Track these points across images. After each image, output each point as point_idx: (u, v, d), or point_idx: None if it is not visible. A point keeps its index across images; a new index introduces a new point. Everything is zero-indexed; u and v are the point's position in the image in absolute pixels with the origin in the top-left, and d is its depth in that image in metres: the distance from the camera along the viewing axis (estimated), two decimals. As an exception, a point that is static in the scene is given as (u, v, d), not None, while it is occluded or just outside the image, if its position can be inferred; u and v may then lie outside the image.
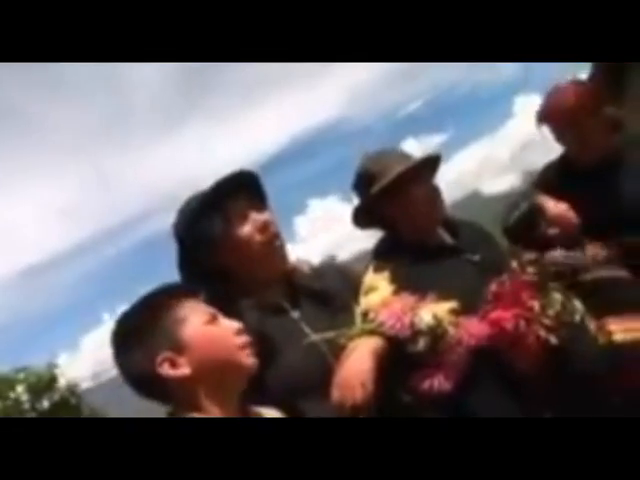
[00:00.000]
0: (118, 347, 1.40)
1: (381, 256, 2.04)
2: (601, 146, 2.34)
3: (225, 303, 1.51)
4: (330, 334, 1.60)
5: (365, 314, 1.66)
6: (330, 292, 1.75)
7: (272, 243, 1.71)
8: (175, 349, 1.35)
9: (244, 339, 1.41)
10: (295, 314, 1.69)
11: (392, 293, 1.71)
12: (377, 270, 1.79)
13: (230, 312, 1.48)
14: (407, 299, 1.68)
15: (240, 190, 1.69)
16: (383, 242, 2.12)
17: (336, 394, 1.51)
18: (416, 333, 1.62)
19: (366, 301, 1.69)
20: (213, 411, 1.35)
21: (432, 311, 1.65)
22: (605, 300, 2.07)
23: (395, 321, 1.61)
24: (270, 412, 1.49)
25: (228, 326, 1.42)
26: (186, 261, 1.71)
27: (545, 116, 2.38)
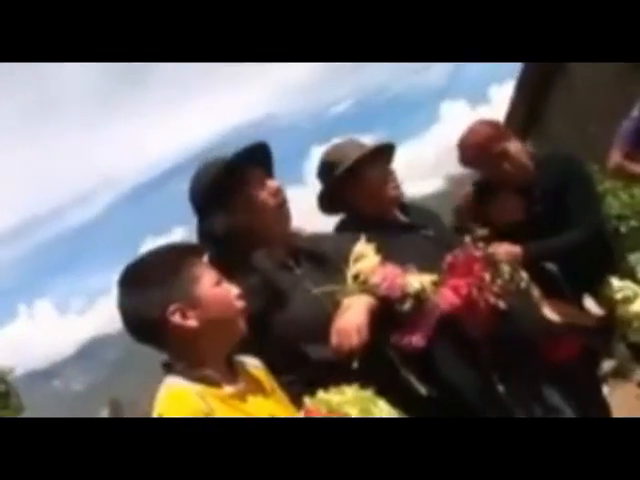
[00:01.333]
0: (130, 287, 1.50)
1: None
2: (518, 173, 2.63)
3: (237, 260, 1.76)
4: (329, 288, 1.84)
5: (355, 277, 1.87)
6: (325, 255, 1.97)
7: (282, 207, 1.94)
8: (188, 303, 1.47)
9: (243, 304, 1.55)
10: (298, 271, 1.92)
11: (379, 262, 1.91)
12: (367, 241, 1.99)
13: (242, 266, 1.73)
14: (393, 268, 1.90)
15: (256, 159, 1.91)
16: (344, 222, 2.38)
17: (335, 339, 1.73)
18: (405, 295, 1.85)
19: (357, 266, 1.89)
20: (204, 362, 1.47)
21: (419, 279, 1.89)
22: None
23: (389, 283, 1.84)
24: (252, 362, 1.63)
25: (231, 290, 1.55)
26: (206, 221, 1.91)
27: (465, 161, 2.71)
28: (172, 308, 1.45)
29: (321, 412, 1.46)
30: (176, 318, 1.45)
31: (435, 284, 1.94)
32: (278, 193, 1.93)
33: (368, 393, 1.51)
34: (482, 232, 2.43)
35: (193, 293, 1.48)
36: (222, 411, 1.40)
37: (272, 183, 1.94)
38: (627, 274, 2.74)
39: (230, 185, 1.87)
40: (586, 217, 2.60)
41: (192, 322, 1.46)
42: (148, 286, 1.48)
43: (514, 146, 2.64)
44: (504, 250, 2.38)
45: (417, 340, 1.83)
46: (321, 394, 1.50)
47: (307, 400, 1.50)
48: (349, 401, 1.47)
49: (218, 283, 1.54)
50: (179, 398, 1.40)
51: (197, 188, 1.93)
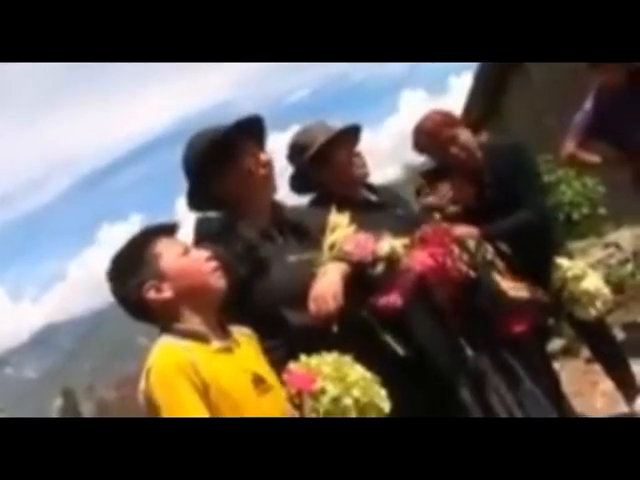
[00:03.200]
0: (113, 280, 1.68)
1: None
2: (466, 158, 2.81)
3: (222, 228, 1.92)
4: (306, 256, 1.96)
5: (332, 247, 1.98)
6: (307, 227, 2.08)
7: (269, 178, 2.06)
8: (158, 278, 1.62)
9: (213, 264, 1.68)
10: (280, 241, 2.03)
11: (353, 231, 2.04)
12: (339, 211, 2.12)
13: (228, 234, 1.86)
14: (365, 235, 2.02)
15: (250, 131, 2.02)
16: (315, 202, 2.53)
17: (312, 305, 1.83)
18: (376, 259, 1.97)
19: (332, 236, 2.01)
20: (194, 324, 1.61)
21: (389, 243, 2.01)
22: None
23: (360, 249, 1.95)
24: (242, 330, 1.75)
25: (199, 255, 1.70)
26: (196, 185, 2.03)
27: (418, 146, 2.89)
28: (146, 286, 1.61)
29: (300, 372, 1.61)
30: (151, 294, 1.61)
31: (406, 247, 2.07)
32: (267, 165, 2.05)
33: (346, 358, 1.66)
34: (452, 209, 2.57)
35: (159, 268, 1.63)
36: (209, 362, 1.53)
37: (263, 155, 2.05)
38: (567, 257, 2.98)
39: (223, 152, 1.98)
40: (534, 200, 2.83)
41: (167, 294, 1.61)
42: (123, 273, 1.65)
43: (462, 133, 2.82)
44: (463, 231, 2.52)
45: (394, 299, 1.94)
46: (303, 358, 1.65)
47: (291, 364, 1.65)
48: (326, 362, 1.62)
49: (185, 253, 1.68)
50: (167, 351, 1.54)
51: (190, 154, 2.03)
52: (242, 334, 1.74)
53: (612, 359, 3.12)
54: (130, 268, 1.64)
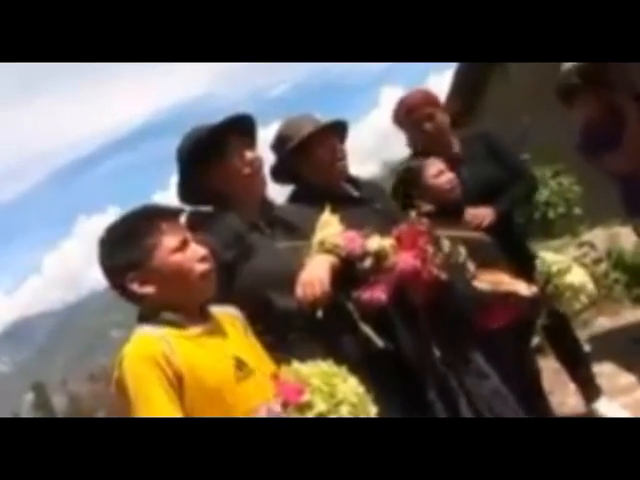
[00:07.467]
0: (103, 249, 1.63)
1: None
2: (440, 137, 2.92)
3: (210, 216, 1.96)
4: (295, 243, 1.99)
5: (321, 243, 2.00)
6: (295, 224, 2.12)
7: (256, 176, 2.09)
8: (144, 271, 1.58)
9: (206, 266, 1.63)
10: (268, 232, 2.07)
11: (343, 230, 2.05)
12: (332, 211, 2.13)
13: (216, 222, 1.90)
14: (355, 232, 2.05)
15: (239, 129, 2.05)
16: (295, 194, 2.53)
17: (299, 290, 1.85)
18: (365, 253, 2.01)
19: (322, 233, 2.03)
20: (171, 313, 1.58)
21: (378, 241, 2.05)
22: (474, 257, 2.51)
23: (350, 242, 1.99)
24: (227, 309, 1.74)
25: (194, 254, 1.63)
26: (184, 180, 2.07)
27: (396, 120, 2.99)
28: (130, 276, 1.57)
29: (289, 381, 1.53)
30: (134, 286, 1.57)
31: (393, 247, 2.10)
32: (254, 163, 2.08)
33: (340, 369, 1.57)
34: (427, 208, 2.57)
35: (150, 262, 1.58)
36: (185, 349, 1.52)
37: (250, 153, 2.08)
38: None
39: (210, 149, 2.01)
40: (527, 169, 3.10)
41: (149, 289, 1.58)
42: (114, 247, 1.60)
43: (440, 114, 2.92)
44: (482, 213, 2.70)
45: (378, 295, 1.97)
46: (295, 364, 1.57)
47: (283, 368, 1.58)
48: (317, 374, 1.53)
49: (181, 247, 1.61)
50: (141, 341, 1.53)
51: (181, 148, 2.08)
52: (226, 314, 1.72)
53: (575, 358, 3.18)
54: (124, 245, 1.59)
